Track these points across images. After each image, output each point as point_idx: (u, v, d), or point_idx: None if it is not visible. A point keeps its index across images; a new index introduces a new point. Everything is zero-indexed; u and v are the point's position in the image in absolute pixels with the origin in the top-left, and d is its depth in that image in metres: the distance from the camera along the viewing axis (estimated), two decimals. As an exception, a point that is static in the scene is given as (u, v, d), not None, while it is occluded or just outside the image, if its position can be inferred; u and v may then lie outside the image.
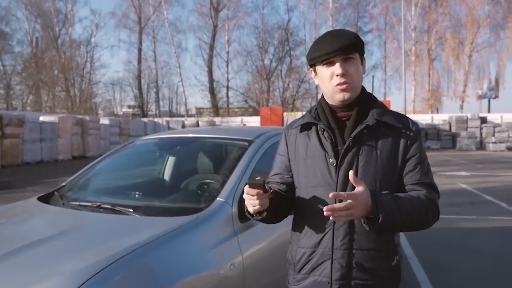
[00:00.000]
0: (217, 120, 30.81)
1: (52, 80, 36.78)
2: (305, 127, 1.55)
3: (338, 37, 1.45)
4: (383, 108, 1.51)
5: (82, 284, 1.54)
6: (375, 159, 1.43)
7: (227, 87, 40.63)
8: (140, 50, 40.78)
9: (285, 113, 28.18)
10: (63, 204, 2.56)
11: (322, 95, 1.56)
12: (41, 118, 19.06)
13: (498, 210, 7.31)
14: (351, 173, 1.32)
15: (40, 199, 2.72)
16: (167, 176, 3.36)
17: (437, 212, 1.48)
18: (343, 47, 1.42)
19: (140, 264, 1.74)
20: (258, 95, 40.30)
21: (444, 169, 13.75)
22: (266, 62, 40.11)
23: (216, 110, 39.66)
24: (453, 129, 26.42)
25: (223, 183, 2.42)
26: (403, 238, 5.43)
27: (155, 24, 40.38)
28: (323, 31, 48.26)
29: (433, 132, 26.71)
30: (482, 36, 35.42)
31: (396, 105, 34.75)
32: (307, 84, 40.31)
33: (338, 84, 1.44)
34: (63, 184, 2.96)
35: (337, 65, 1.43)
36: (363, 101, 1.50)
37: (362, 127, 1.43)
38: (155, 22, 40.32)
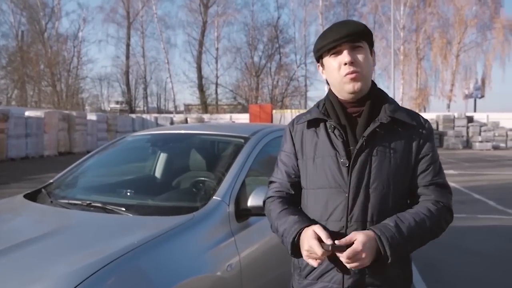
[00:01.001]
0: (205, 117, 30.66)
1: (38, 75, 36.14)
2: (312, 123, 1.45)
3: (346, 25, 1.38)
4: (395, 103, 1.43)
5: (75, 287, 1.45)
6: (388, 159, 1.35)
7: (216, 84, 40.46)
8: (128, 45, 40.35)
9: (274, 111, 28.15)
10: (51, 202, 2.44)
11: (330, 89, 1.47)
12: (27, 113, 18.71)
13: (487, 208, 7.37)
14: (336, 242, 1.25)
15: (27, 196, 2.59)
16: (158, 173, 3.27)
17: (450, 218, 1.43)
18: (351, 33, 1.35)
19: (134, 266, 1.66)
20: (247, 92, 40.21)
21: (432, 168, 13.87)
22: (256, 59, 40.10)
23: (205, 107, 39.47)
24: (440, 128, 26.71)
25: (219, 181, 2.33)
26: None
27: (143, 19, 39.99)
28: (312, 29, 48.14)
29: (421, 131, 26.97)
30: (470, 36, 35.85)
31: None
32: (296, 82, 40.43)
33: (347, 74, 1.35)
34: (51, 181, 2.84)
35: (345, 53, 1.35)
36: (374, 96, 1.42)
37: (376, 125, 1.35)
38: (144, 17, 39.93)
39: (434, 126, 27.03)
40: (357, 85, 1.36)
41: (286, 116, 26.44)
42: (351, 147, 1.36)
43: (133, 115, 30.84)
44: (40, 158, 17.96)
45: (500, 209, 7.23)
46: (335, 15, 38.87)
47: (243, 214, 2.21)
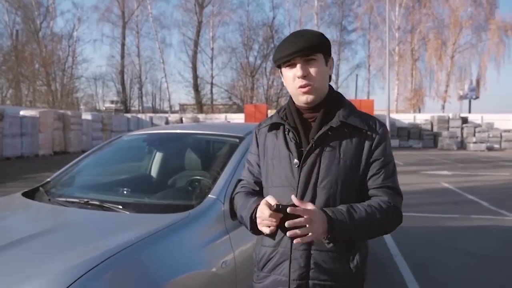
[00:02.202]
0: (201, 116, 30.67)
1: (32, 74, 36.03)
2: (273, 126, 1.56)
3: (299, 38, 1.43)
4: (350, 108, 1.50)
5: (72, 283, 1.48)
6: (337, 161, 1.42)
7: (211, 84, 40.51)
8: (123, 45, 40.34)
9: (269, 111, 28.22)
10: (49, 200, 2.48)
11: (290, 96, 1.55)
12: (22, 113, 18.66)
13: (481, 209, 7.44)
14: (293, 197, 1.30)
15: (25, 194, 2.62)
16: (154, 172, 3.31)
17: (399, 218, 1.47)
18: (302, 48, 1.40)
19: (131, 262, 1.69)
20: (242, 92, 40.27)
21: (426, 168, 13.97)
22: (251, 59, 40.19)
23: (200, 106, 39.49)
24: (435, 129, 26.88)
25: (214, 180, 2.37)
26: (388, 237, 5.49)
27: (139, 19, 40.02)
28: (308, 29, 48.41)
29: (415, 132, 27.13)
30: (465, 37, 36.13)
31: (379, 104, 35.14)
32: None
33: (300, 87, 1.43)
34: (48, 179, 2.87)
35: (298, 67, 1.42)
36: (330, 102, 1.49)
37: (326, 129, 1.43)
38: (139, 16, 39.94)
39: (428, 127, 27.21)
40: (310, 97, 1.45)
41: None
42: (302, 149, 1.45)
43: (128, 115, 30.80)
44: (35, 157, 17.92)
45: (493, 210, 7.31)
46: (330, 16, 39.13)
47: (238, 212, 2.24)
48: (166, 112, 38.73)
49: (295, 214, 1.26)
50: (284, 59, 1.43)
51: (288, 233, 1.27)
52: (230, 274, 2.07)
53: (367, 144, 1.45)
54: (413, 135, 27.09)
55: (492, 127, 25.90)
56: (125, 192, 2.66)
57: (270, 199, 1.32)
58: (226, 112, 36.07)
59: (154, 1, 41.08)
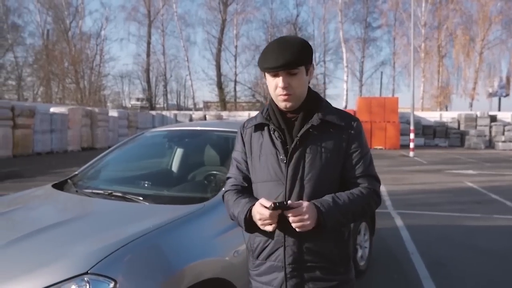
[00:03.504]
0: (224, 114, 30.90)
1: (62, 72, 37.08)
2: (258, 127, 1.67)
3: (284, 52, 1.51)
4: (328, 107, 1.64)
5: (94, 265, 1.65)
6: (320, 155, 1.56)
7: (235, 81, 40.71)
8: (149, 43, 40.97)
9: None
10: (76, 191, 2.67)
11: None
12: (52, 110, 19.30)
13: (504, 209, 7.30)
14: (289, 201, 1.46)
15: (55, 186, 2.84)
16: (175, 167, 3.46)
17: (379, 200, 1.66)
18: (286, 64, 1.50)
19: (149, 247, 1.84)
20: (265, 89, 40.20)
21: (451, 167, 13.73)
22: (275, 57, 39.97)
23: (223, 104, 39.76)
24: (462, 127, 26.28)
25: (229, 174, 2.50)
26: (405, 234, 5.51)
27: (164, 18, 40.52)
28: (332, 26, 47.72)
29: (441, 130, 26.60)
30: (494, 33, 35.05)
31: (404, 102, 34.57)
32: (315, 80, 40.21)
33: (281, 95, 1.55)
34: (76, 172, 3.07)
35: (280, 79, 1.54)
36: (309, 104, 1.62)
37: (308, 127, 1.56)
38: (164, 15, 40.46)
39: (455, 125, 26.64)
40: (289, 104, 1.58)
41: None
42: (288, 146, 1.58)
43: (153, 112, 31.34)
44: (64, 153, 18.52)
45: (517, 210, 7.17)
46: (354, 12, 38.67)
47: (251, 204, 2.37)
48: (190, 109, 39.22)
49: (288, 210, 1.44)
50: (268, 70, 1.55)
51: (295, 225, 1.45)
52: (242, 263, 2.19)
53: (345, 138, 1.60)
54: (439, 133, 26.58)
55: (523, 126, 25.12)
56: (146, 185, 2.83)
57: (264, 201, 1.47)
58: (250, 109, 36.20)
59: (179, 0, 41.69)
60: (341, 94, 36.35)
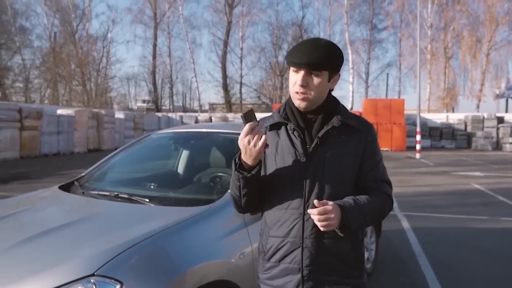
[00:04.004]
0: (230, 116, 30.91)
1: (69, 74, 37.33)
2: (274, 126, 1.66)
3: (311, 51, 1.51)
4: (346, 111, 1.65)
5: (101, 266, 1.66)
6: (339, 157, 1.56)
7: (241, 83, 40.74)
8: (155, 45, 41.13)
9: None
10: (83, 193, 2.69)
11: (290, 96, 1.66)
12: (59, 111, 19.42)
13: (511, 211, 7.25)
14: (315, 201, 1.44)
15: (61, 187, 2.86)
16: (181, 169, 3.47)
17: (392, 205, 1.69)
18: (309, 63, 1.50)
19: (155, 249, 1.85)
20: (271, 91, 40.35)
21: (458, 169, 13.64)
22: (280, 58, 40.10)
23: (229, 106, 39.82)
24: (469, 129, 26.10)
25: (235, 176, 2.50)
26: (412, 237, 5.48)
27: (170, 20, 40.66)
28: (337, 28, 47.65)
29: (448, 132, 26.44)
30: (501, 34, 34.80)
31: (410, 104, 34.41)
32: (321, 81, 40.06)
33: (297, 92, 1.55)
34: (83, 174, 3.09)
35: (300, 75, 1.53)
36: (328, 107, 1.62)
37: (329, 128, 1.56)
38: (170, 18, 40.60)
39: (461, 126, 26.48)
40: (302, 104, 1.57)
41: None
42: (308, 146, 1.57)
43: (159, 114, 31.42)
44: (70, 154, 18.62)
45: (524, 212, 7.11)
46: (360, 14, 38.56)
47: (256, 206, 2.37)
48: (196, 111, 39.28)
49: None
50: (292, 65, 1.55)
51: (320, 224, 1.43)
52: (247, 265, 2.19)
53: (362, 142, 1.60)
54: (445, 135, 26.41)
55: (530, 127, 24.89)
56: (152, 186, 2.84)
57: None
58: (255, 111, 36.15)
59: (185, 2, 41.90)
60: (347, 95, 36.23)
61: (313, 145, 1.56)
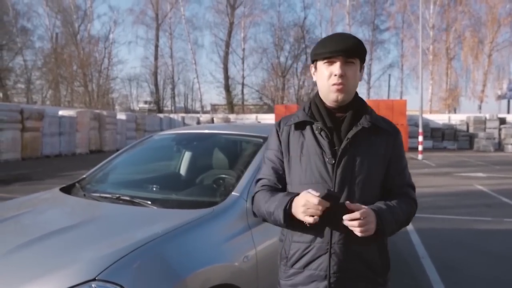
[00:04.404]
0: (232, 117, 30.90)
1: (71, 75, 37.37)
2: (299, 125, 1.59)
3: (344, 40, 1.51)
4: (373, 113, 1.60)
5: (103, 271, 1.62)
6: (368, 159, 1.51)
7: (242, 84, 40.71)
8: (157, 46, 41.15)
9: (300, 111, 28.08)
10: (84, 195, 2.66)
11: (317, 93, 1.61)
12: (60, 112, 19.43)
13: (515, 212, 7.22)
14: (347, 202, 1.40)
15: (62, 189, 2.82)
16: (183, 170, 3.44)
17: (416, 209, 1.65)
18: (347, 49, 1.48)
19: (157, 253, 1.81)
20: (273, 92, 40.28)
21: (460, 170, 13.59)
22: (282, 59, 40.08)
23: (231, 107, 39.79)
24: (471, 130, 26.02)
25: (238, 179, 2.48)
26: (416, 238, 5.44)
27: (172, 21, 40.68)
28: (339, 29, 47.91)
29: (450, 133, 26.38)
30: (503, 35, 34.78)
31: (412, 105, 34.38)
32: (322, 82, 40.04)
33: (335, 84, 1.49)
34: (84, 176, 3.06)
35: (337, 65, 1.49)
36: (357, 105, 1.57)
37: (359, 128, 1.51)
38: (172, 18, 40.62)
39: (464, 127, 26.43)
40: (341, 96, 1.51)
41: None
42: (336, 147, 1.51)
43: (161, 115, 31.42)
44: (72, 155, 18.62)
45: (528, 213, 7.07)
46: (362, 15, 38.52)
47: (260, 209, 2.33)
48: (197, 112, 39.29)
49: (339, 209, 1.38)
50: (326, 55, 1.50)
51: (359, 229, 1.36)
52: (251, 269, 2.16)
53: (390, 145, 1.57)
54: (447, 136, 26.34)
55: (533, 128, 24.82)
56: (154, 188, 2.81)
57: (313, 191, 1.38)
58: (257, 112, 36.20)
59: (186, 3, 41.92)
60: (349, 96, 36.04)
61: (342, 147, 1.50)
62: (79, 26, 38.80)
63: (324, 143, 1.51)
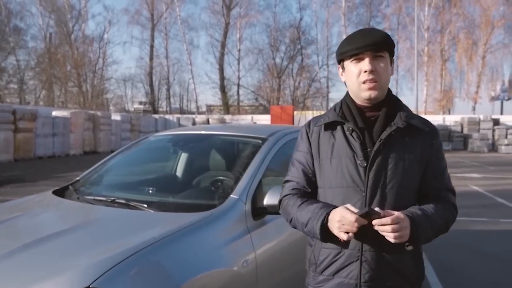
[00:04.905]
0: (227, 118, 30.85)
1: (64, 76, 37.15)
2: (329, 125, 1.51)
3: (370, 34, 1.44)
4: (409, 111, 1.50)
5: (98, 278, 1.55)
6: (403, 162, 1.42)
7: (238, 85, 40.72)
8: (152, 46, 41.05)
9: (295, 112, 28.13)
10: (78, 198, 2.58)
11: (347, 93, 1.53)
12: (54, 113, 19.27)
13: (510, 213, 7.23)
14: (377, 208, 1.32)
15: (55, 192, 2.74)
16: (179, 172, 3.38)
17: (456, 215, 1.55)
18: (374, 43, 1.40)
19: (154, 259, 1.75)
20: (268, 93, 40.31)
21: (455, 171, 13.59)
22: (277, 60, 40.17)
23: (226, 107, 39.74)
24: (465, 131, 26.15)
25: (236, 180, 2.42)
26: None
27: (167, 21, 40.61)
28: (335, 30, 47.95)
29: (445, 133, 26.46)
30: (496, 37, 35.07)
31: (407, 106, 34.52)
32: (318, 83, 40.27)
33: (366, 81, 1.41)
34: (78, 178, 2.98)
35: (366, 61, 1.41)
36: (390, 102, 1.48)
37: (393, 129, 1.42)
38: (167, 19, 40.55)
39: (458, 128, 26.55)
40: (374, 93, 1.43)
41: (307, 118, 26.40)
42: (369, 149, 1.42)
43: (156, 116, 31.29)
44: (66, 156, 18.46)
45: (524, 214, 7.09)
46: (358, 16, 38.70)
47: (259, 212, 2.28)
48: (193, 113, 39.19)
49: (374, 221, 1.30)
50: (353, 52, 1.42)
51: (392, 236, 1.29)
52: (251, 273, 2.10)
53: (427, 146, 1.47)
54: (442, 137, 26.13)
55: (526, 129, 25.00)
56: (150, 191, 2.74)
57: (351, 207, 1.33)
58: (253, 113, 36.18)
59: (182, 4, 41.77)
60: (344, 97, 36.16)
61: (375, 148, 1.41)
62: (73, 26, 38.63)
63: (356, 144, 1.43)
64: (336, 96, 41.90)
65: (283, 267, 2.40)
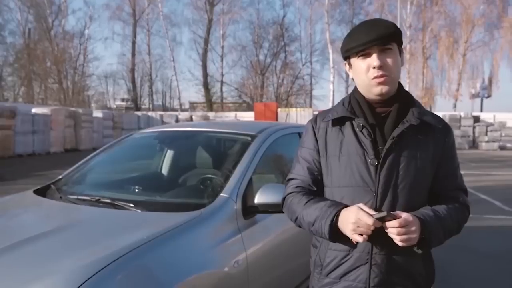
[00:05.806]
0: (211, 115, 30.68)
1: (44, 72, 36.35)
2: (337, 121, 1.43)
3: (375, 27, 1.35)
4: (421, 107, 1.44)
5: (83, 283, 1.47)
6: (415, 161, 1.36)
7: (221, 82, 40.51)
8: (134, 43, 40.47)
9: (279, 109, 28.12)
10: (60, 197, 2.47)
11: (355, 88, 1.46)
12: (33, 110, 18.82)
13: (493, 209, 7.33)
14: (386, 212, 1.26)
15: (36, 192, 2.62)
16: (165, 170, 3.29)
17: (468, 216, 1.50)
18: (380, 36, 1.33)
19: (143, 261, 1.67)
20: (252, 90, 40.24)
21: (438, 167, 13.80)
22: (261, 57, 40.12)
23: (210, 104, 39.53)
24: (447, 128, 26.59)
25: (226, 179, 2.35)
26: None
27: (149, 17, 40.06)
28: (318, 27, 48.17)
29: (427, 130, 26.89)
30: (477, 35, 35.63)
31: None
32: (301, 80, 40.39)
33: (375, 77, 1.34)
34: (60, 177, 2.87)
35: (374, 56, 1.34)
36: (402, 97, 1.42)
37: (405, 126, 1.35)
38: (149, 15, 39.98)
39: (440, 125, 27.04)
40: (385, 89, 1.36)
41: (291, 115, 26.44)
42: (380, 147, 1.36)
43: (139, 113, 30.89)
44: (46, 154, 18.07)
45: (506, 210, 7.19)
46: (341, 14, 38.87)
47: (250, 211, 2.23)
48: (176, 110, 38.84)
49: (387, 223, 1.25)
50: (358, 49, 1.35)
51: (400, 238, 1.24)
52: (242, 274, 2.05)
53: (440, 144, 1.41)
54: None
55: (505, 126, 25.54)
56: (136, 190, 2.64)
57: (365, 207, 1.27)
58: (236, 110, 36.10)
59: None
60: (328, 95, 36.59)
61: (387, 146, 1.34)
62: (53, 21, 37.74)
63: (366, 142, 1.36)
64: (319, 93, 42.22)
65: (274, 266, 2.36)
